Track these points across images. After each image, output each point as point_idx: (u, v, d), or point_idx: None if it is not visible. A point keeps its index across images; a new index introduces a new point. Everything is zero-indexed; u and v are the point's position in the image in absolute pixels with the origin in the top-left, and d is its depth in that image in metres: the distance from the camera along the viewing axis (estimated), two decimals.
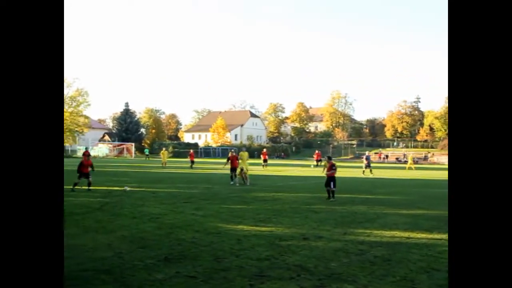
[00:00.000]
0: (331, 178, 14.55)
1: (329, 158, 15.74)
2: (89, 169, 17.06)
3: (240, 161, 21.13)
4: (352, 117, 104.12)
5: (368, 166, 29.69)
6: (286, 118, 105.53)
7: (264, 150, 40.84)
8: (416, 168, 42.67)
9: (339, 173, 16.41)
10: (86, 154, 30.01)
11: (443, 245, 7.81)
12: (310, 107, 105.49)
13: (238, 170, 19.73)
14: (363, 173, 29.63)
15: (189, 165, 36.22)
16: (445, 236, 8.62)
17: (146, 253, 6.88)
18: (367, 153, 38.73)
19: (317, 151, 47.48)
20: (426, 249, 7.50)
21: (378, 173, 31.70)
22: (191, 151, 41.60)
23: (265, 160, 37.44)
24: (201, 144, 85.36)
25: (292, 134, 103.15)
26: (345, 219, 10.64)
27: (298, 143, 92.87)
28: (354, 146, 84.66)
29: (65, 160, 15.99)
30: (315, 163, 43.74)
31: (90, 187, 16.68)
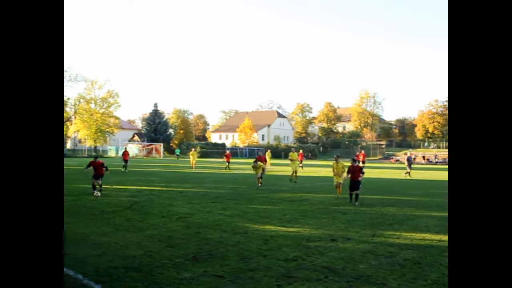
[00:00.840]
0: (358, 182, 13.74)
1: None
2: (104, 170, 15.77)
3: (289, 161, 21.97)
4: (381, 117, 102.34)
5: (409, 167, 28.56)
6: (314, 118, 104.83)
7: (301, 151, 40.41)
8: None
9: (368, 173, 16.14)
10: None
11: None
12: (338, 107, 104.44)
13: (259, 170, 18.90)
14: (406, 175, 28.24)
15: (225, 165, 35.69)
16: None
17: (175, 252, 6.98)
18: (408, 153, 37.20)
19: (362, 152, 45.59)
20: None
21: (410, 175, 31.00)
22: (227, 151, 41.30)
23: (301, 161, 37.28)
24: (228, 144, 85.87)
25: (320, 135, 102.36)
26: (374, 220, 10.46)
27: (326, 143, 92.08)
28: (383, 146, 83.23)
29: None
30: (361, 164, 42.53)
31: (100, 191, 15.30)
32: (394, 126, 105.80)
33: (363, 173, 14.12)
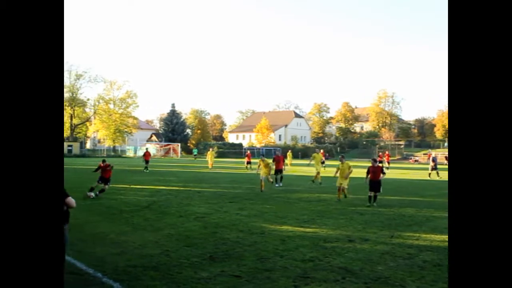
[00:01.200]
0: (379, 182, 13.44)
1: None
2: (111, 173, 15.21)
3: (313, 162, 21.80)
4: (400, 117, 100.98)
5: (434, 168, 27.89)
6: (331, 118, 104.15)
7: (322, 151, 39.91)
8: None
9: (387, 174, 15.89)
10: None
11: None
12: (356, 107, 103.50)
13: (265, 171, 17.61)
14: (429, 176, 27.59)
15: (244, 165, 35.43)
16: None
17: (192, 252, 7.03)
18: (433, 154, 36.18)
19: (387, 152, 44.57)
20: None
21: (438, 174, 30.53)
22: (248, 151, 41.20)
23: (323, 162, 36.84)
24: (245, 144, 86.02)
25: (337, 135, 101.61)
26: (392, 221, 10.34)
27: (343, 143, 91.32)
28: (402, 146, 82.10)
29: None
30: (386, 164, 41.87)
31: (101, 194, 14.50)
32: (413, 126, 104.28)
33: (384, 173, 13.87)
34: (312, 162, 23.22)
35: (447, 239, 8.35)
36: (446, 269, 6.25)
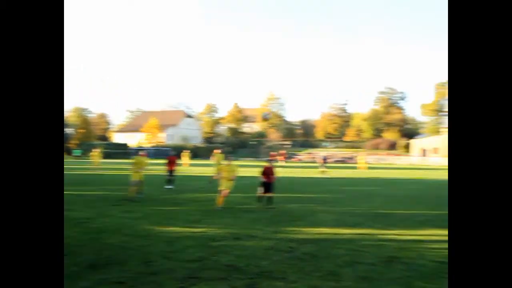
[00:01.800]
0: (273, 183, 13.05)
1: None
2: None
3: (213, 162, 21.33)
4: (286, 118, 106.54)
5: (324, 166, 30.66)
6: (221, 118, 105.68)
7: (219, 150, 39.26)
8: (340, 168, 44.64)
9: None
10: None
11: (365, 239, 8.30)
12: (245, 108, 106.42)
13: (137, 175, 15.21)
14: (323, 173, 30.14)
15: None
16: (368, 231, 9.14)
17: (70, 260, 6.51)
18: (323, 153, 39.43)
19: (282, 151, 45.84)
20: (350, 244, 7.90)
21: (309, 173, 32.74)
22: (171, 154, 39.11)
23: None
24: (133, 144, 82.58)
25: (227, 135, 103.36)
26: (277, 218, 10.87)
27: (233, 143, 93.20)
28: (287, 146, 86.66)
29: None
30: (284, 163, 42.96)
31: None
32: (298, 127, 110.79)
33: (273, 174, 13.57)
34: (214, 161, 23.24)
35: (324, 231, 9.08)
36: (321, 259, 6.79)
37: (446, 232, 9.12)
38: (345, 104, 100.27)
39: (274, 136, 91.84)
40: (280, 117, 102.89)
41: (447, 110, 68.75)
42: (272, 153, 47.06)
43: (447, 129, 64.59)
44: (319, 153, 77.74)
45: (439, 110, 75.82)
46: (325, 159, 31.70)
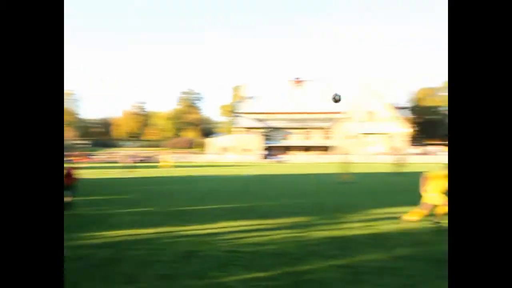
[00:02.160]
0: (74, 186, 12.35)
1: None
2: None
3: None
4: (83, 116, 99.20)
5: (130, 165, 32.64)
6: None
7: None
8: (142, 167, 44.29)
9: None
10: None
11: (164, 238, 8.54)
12: None
13: None
14: (130, 173, 30.89)
15: None
16: (167, 229, 9.38)
17: None
18: (132, 153, 40.63)
19: (80, 152, 43.20)
20: (149, 244, 7.97)
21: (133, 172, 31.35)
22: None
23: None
24: None
25: None
26: (71, 224, 10.07)
27: None
28: (86, 145, 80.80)
29: None
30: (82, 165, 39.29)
31: None
32: (98, 125, 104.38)
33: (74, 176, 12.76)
34: None
35: (124, 233, 8.89)
36: (121, 262, 6.65)
37: (237, 223, 10.12)
38: (145, 103, 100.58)
39: (69, 135, 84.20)
40: (74, 114, 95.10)
41: (241, 111, 75.45)
42: (69, 153, 43.96)
43: (238, 129, 71.34)
44: (120, 152, 75.39)
45: (234, 111, 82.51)
46: (132, 158, 33.32)
